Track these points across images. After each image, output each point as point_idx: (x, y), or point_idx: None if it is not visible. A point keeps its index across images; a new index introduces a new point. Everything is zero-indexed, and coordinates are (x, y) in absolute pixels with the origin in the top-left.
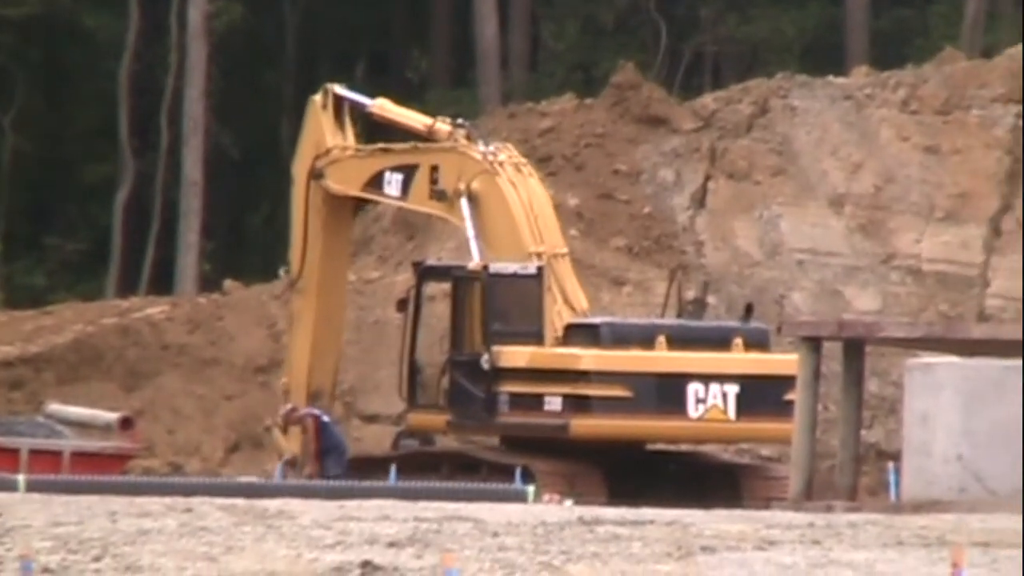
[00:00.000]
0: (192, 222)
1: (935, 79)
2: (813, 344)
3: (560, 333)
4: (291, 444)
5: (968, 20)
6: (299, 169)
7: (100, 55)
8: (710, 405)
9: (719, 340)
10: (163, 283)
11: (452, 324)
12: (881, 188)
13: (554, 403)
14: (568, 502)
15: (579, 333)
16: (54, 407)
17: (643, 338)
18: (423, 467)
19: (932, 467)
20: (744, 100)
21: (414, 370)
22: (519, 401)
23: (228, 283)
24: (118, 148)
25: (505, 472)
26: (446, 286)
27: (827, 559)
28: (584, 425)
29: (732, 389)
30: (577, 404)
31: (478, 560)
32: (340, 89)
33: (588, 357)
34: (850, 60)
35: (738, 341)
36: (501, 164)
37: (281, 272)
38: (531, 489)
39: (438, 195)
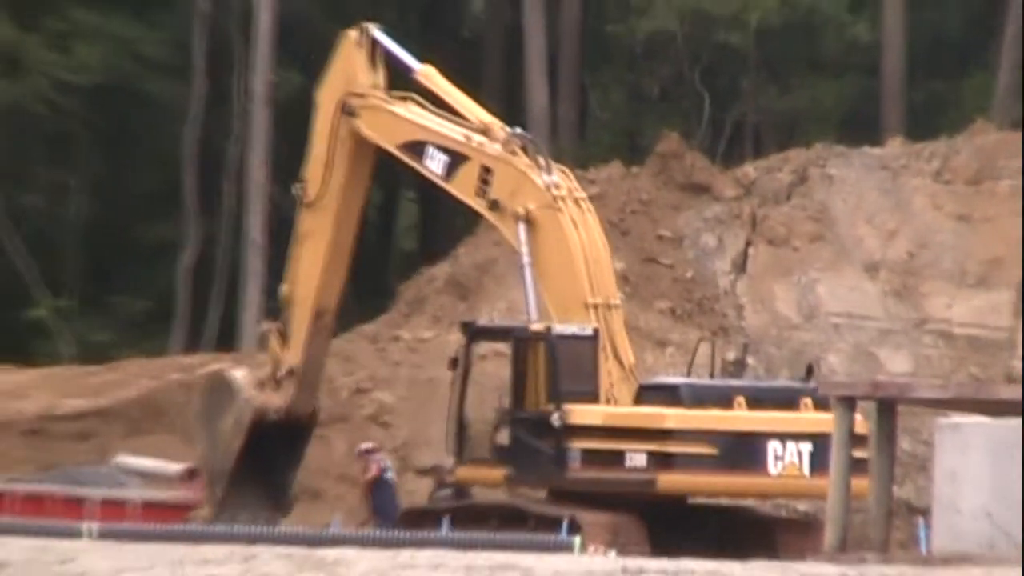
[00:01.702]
0: (254, 281)
1: (967, 150)
2: (848, 403)
3: (611, 389)
4: (289, 354)
5: (999, 93)
6: (325, 97)
7: (164, 120)
8: (788, 462)
9: (787, 400)
10: (226, 340)
11: (513, 382)
12: (915, 254)
13: (637, 459)
14: (612, 553)
15: (656, 393)
16: (123, 458)
17: (720, 398)
18: (473, 519)
19: (961, 523)
20: (784, 169)
21: (462, 426)
22: (594, 457)
23: None
24: (180, 210)
25: (552, 524)
26: (496, 345)
27: None
28: (671, 480)
29: (806, 447)
30: (663, 461)
31: None
32: (378, 33)
33: (673, 416)
34: (885, 131)
35: (807, 401)
36: (563, 199)
37: (294, 189)
38: (577, 540)
39: (491, 203)
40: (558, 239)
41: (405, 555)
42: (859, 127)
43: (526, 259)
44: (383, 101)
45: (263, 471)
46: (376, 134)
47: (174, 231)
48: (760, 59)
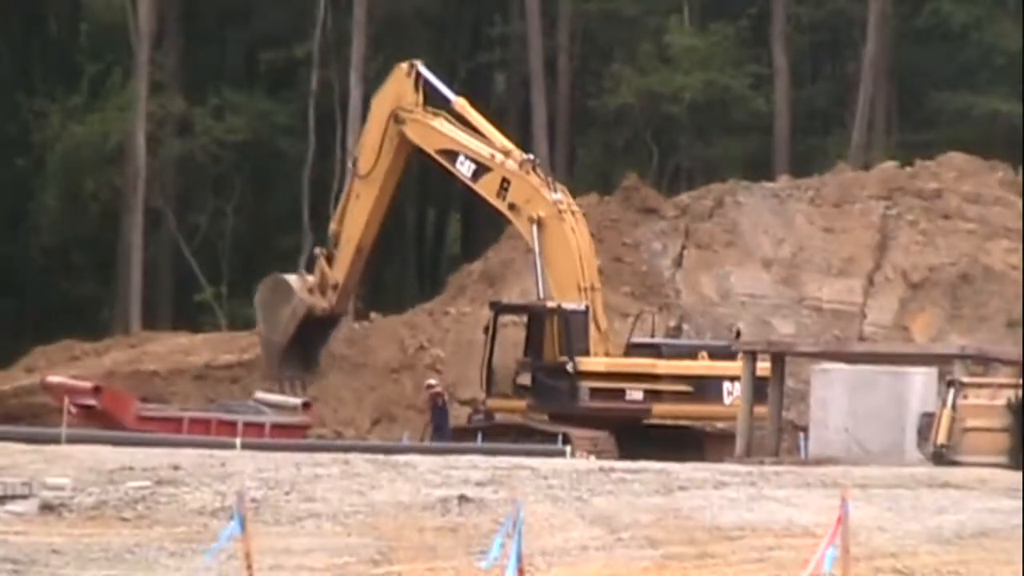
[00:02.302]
0: None
1: (831, 184)
2: (751, 356)
3: (595, 348)
4: (335, 273)
5: (853, 146)
6: (378, 105)
7: (288, 166)
8: (735, 396)
9: (729, 354)
10: None
11: (534, 342)
12: (796, 254)
13: (636, 395)
14: (592, 457)
15: (643, 349)
16: (260, 395)
17: (688, 353)
18: (498, 434)
19: (828, 435)
20: (707, 197)
21: (491, 371)
22: (599, 393)
23: (373, 315)
24: (300, 225)
25: (552, 437)
26: (512, 317)
27: (760, 495)
28: (661, 409)
29: None
30: (655, 396)
31: (535, 495)
32: (424, 69)
33: (662, 365)
34: (776, 171)
35: (740, 355)
36: (566, 212)
37: (350, 163)
38: (569, 449)
39: (510, 205)
40: (561, 240)
41: (452, 458)
42: (758, 169)
43: (536, 250)
44: (425, 117)
45: (301, 347)
46: (418, 139)
47: (296, 239)
48: (691, 123)
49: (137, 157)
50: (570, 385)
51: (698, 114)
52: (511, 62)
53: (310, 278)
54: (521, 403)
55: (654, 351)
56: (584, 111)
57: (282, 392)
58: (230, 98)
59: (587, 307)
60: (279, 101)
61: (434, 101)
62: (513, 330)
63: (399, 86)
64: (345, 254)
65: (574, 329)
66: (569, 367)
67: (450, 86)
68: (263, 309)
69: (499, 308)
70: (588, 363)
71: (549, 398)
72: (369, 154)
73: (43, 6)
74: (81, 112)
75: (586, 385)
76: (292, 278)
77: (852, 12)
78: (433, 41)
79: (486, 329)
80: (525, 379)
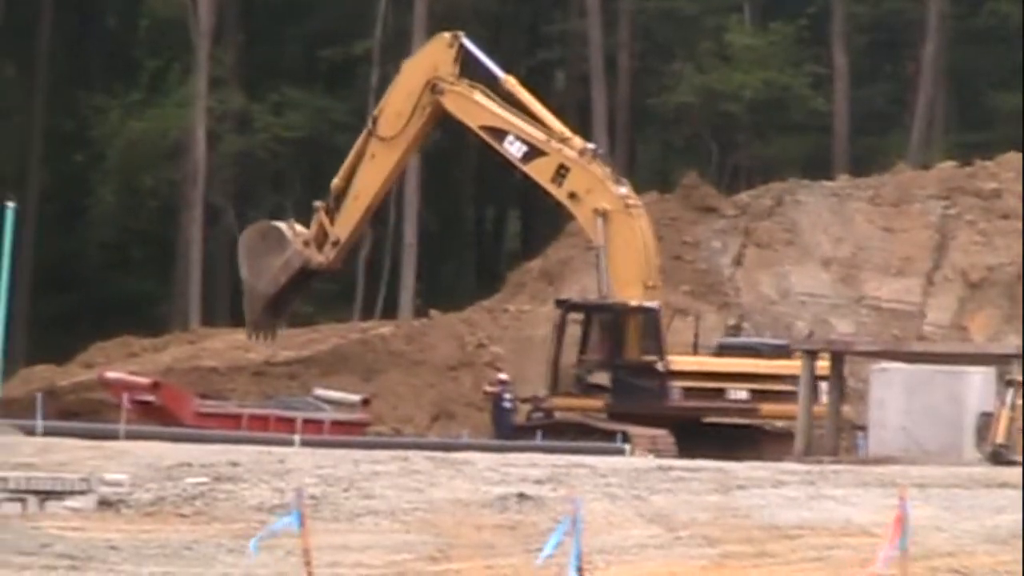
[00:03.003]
0: (409, 271)
1: (891, 183)
2: (810, 355)
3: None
4: (336, 229)
5: (912, 145)
6: (412, 70)
7: None
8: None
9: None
10: (390, 311)
11: (611, 340)
12: (855, 254)
13: (740, 394)
14: (651, 455)
15: (736, 349)
16: (319, 391)
17: (783, 353)
18: (557, 432)
19: (886, 435)
20: (767, 196)
21: (557, 370)
22: (694, 393)
23: (432, 312)
24: None
25: (611, 436)
26: (574, 315)
27: (818, 494)
28: (768, 409)
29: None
30: (762, 395)
31: (593, 493)
32: (468, 42)
33: (765, 365)
34: (836, 170)
35: (823, 355)
36: (634, 207)
37: (369, 121)
38: (627, 447)
39: (569, 194)
40: (628, 235)
41: (510, 456)
42: (817, 168)
43: (601, 244)
44: (467, 90)
45: (277, 297)
46: (459, 112)
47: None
48: (750, 122)
49: (196, 153)
50: (660, 384)
51: (757, 113)
52: (570, 60)
53: (300, 228)
54: (593, 402)
55: (750, 350)
56: (643, 109)
57: (256, 339)
58: (289, 94)
59: (659, 306)
60: (338, 98)
61: (479, 77)
62: (573, 328)
63: (437, 55)
64: (351, 212)
65: (657, 328)
66: (659, 366)
67: None
68: (249, 255)
69: (569, 306)
70: (681, 362)
71: (633, 397)
72: (394, 119)
73: (102, 2)
74: (140, 108)
75: (678, 384)
76: (283, 227)
77: (910, 12)
78: (492, 38)
79: (556, 327)
80: (600, 378)
